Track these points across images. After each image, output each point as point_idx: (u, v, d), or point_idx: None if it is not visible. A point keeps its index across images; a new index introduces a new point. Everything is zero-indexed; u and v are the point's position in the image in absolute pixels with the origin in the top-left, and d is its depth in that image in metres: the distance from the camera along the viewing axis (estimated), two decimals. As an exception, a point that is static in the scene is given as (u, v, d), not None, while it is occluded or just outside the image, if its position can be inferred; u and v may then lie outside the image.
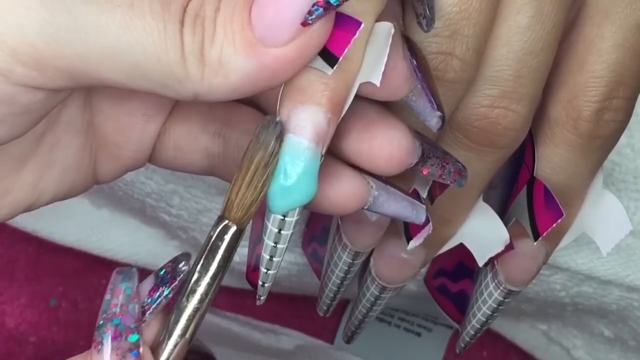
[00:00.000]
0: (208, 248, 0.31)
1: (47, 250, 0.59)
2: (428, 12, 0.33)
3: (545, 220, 0.38)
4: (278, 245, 0.32)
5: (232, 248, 0.32)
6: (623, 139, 0.45)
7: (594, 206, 0.40)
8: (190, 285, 0.32)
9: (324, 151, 0.31)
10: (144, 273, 0.58)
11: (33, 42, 0.29)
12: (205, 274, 0.31)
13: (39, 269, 0.59)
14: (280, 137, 0.30)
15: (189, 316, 0.32)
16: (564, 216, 0.38)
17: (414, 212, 0.35)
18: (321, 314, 0.47)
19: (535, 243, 0.39)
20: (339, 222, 0.41)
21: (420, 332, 0.61)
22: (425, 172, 0.34)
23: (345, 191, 0.33)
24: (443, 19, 0.34)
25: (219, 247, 0.31)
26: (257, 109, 0.37)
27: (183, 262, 0.33)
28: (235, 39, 0.29)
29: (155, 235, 0.57)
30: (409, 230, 0.39)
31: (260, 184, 0.31)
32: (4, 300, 0.58)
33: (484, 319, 0.44)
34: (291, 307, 0.61)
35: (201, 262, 0.32)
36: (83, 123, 0.35)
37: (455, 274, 0.48)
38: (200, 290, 0.32)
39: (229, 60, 0.29)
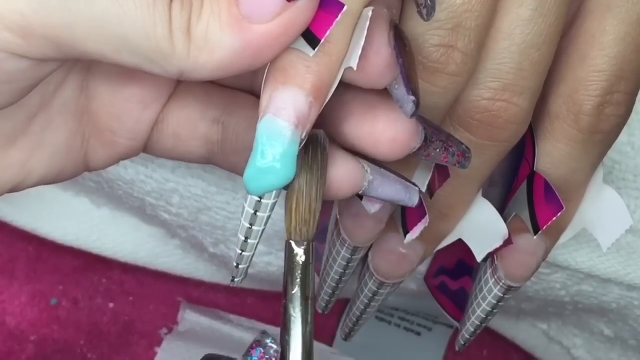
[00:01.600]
0: (293, 279, 0.32)
1: (47, 249, 0.58)
2: (429, 2, 0.33)
3: (545, 213, 0.38)
4: (254, 227, 0.32)
5: (308, 264, 0.32)
6: (623, 137, 0.45)
7: (594, 201, 0.40)
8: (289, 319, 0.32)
9: (304, 135, 0.31)
10: (144, 273, 0.58)
11: (21, 9, 0.29)
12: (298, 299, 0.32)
13: (40, 267, 0.59)
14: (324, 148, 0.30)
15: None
16: (564, 209, 0.38)
17: (408, 195, 0.35)
18: (320, 311, 0.47)
19: (535, 237, 0.39)
20: (338, 217, 0.41)
21: (421, 331, 0.61)
22: (428, 156, 0.34)
23: (341, 175, 0.34)
24: (446, 12, 0.34)
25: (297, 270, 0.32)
26: (255, 95, 0.37)
27: (269, 340, 0.33)
28: (221, 15, 0.30)
29: (156, 234, 0.57)
30: (406, 223, 0.39)
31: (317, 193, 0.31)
32: (5, 299, 0.58)
33: (484, 316, 0.44)
34: (291, 307, 0.61)
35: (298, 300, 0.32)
36: (78, 107, 0.35)
37: (455, 272, 0.48)
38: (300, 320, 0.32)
39: (215, 37, 0.30)
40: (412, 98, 0.31)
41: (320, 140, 0.32)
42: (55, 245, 0.57)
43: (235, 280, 0.34)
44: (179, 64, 0.30)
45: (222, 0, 0.30)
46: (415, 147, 0.33)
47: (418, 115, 0.33)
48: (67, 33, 0.29)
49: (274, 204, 0.32)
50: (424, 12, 0.33)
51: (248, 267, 0.34)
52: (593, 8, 0.37)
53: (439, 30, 0.34)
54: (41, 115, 0.35)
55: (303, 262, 0.32)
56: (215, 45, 0.30)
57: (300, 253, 0.32)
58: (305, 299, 0.32)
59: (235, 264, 0.34)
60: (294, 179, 0.31)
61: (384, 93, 0.33)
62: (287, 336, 0.32)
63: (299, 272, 0.32)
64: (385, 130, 0.33)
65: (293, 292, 0.32)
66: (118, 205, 0.56)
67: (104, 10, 0.29)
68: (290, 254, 0.32)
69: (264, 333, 0.33)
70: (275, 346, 0.33)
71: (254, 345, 0.33)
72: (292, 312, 0.32)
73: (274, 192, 0.31)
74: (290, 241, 0.32)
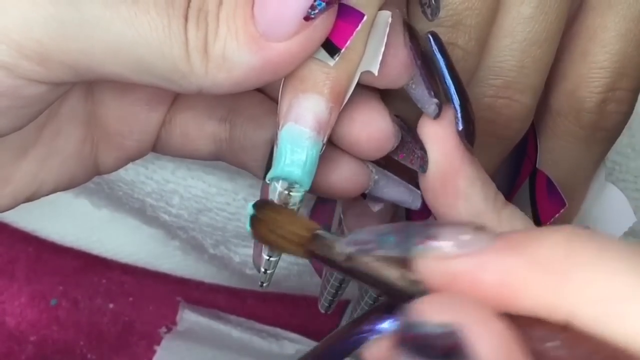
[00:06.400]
0: None
1: (47, 250, 0.58)
2: (433, 2, 0.33)
3: (547, 210, 0.38)
4: None
5: None
6: (624, 138, 0.45)
7: (596, 199, 0.40)
8: None
9: (325, 140, 0.31)
10: (143, 273, 0.58)
11: (38, 37, 0.29)
12: None
13: (39, 268, 0.59)
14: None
15: None
16: (566, 206, 0.38)
17: (411, 198, 0.35)
18: (323, 311, 0.47)
19: None
20: (342, 216, 0.41)
21: (421, 332, 0.61)
22: (401, 156, 0.34)
23: (346, 175, 0.34)
24: (446, 9, 0.34)
25: None
26: (262, 93, 0.37)
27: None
28: (238, 33, 0.30)
29: (155, 235, 0.57)
30: None
31: None
32: (4, 299, 0.58)
33: None
34: (291, 307, 0.61)
35: None
36: (84, 114, 0.35)
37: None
38: None
39: (233, 55, 0.30)
40: (435, 100, 0.32)
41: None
42: (55, 246, 0.57)
43: (264, 284, 0.35)
44: (197, 82, 0.30)
45: (238, 18, 0.30)
46: (392, 147, 0.34)
47: (394, 115, 0.33)
48: (84, 58, 0.30)
49: (298, 209, 0.32)
50: (428, 11, 0.33)
51: (274, 270, 0.34)
52: (594, 4, 0.37)
53: (440, 27, 0.34)
54: (49, 125, 0.35)
55: None
56: (234, 63, 0.30)
57: None
58: None
59: (263, 270, 0.34)
60: None
61: (367, 92, 0.33)
62: None
63: None
64: (361, 130, 0.33)
65: None
66: (118, 207, 0.56)
67: (119, 34, 0.29)
68: None
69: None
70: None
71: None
72: None
73: (299, 197, 0.32)
74: None
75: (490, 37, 0.35)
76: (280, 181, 0.31)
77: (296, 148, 0.30)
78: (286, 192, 0.31)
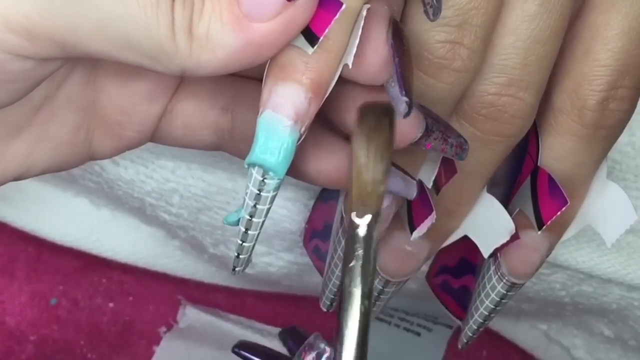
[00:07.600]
0: (359, 255, 0.27)
1: (47, 249, 0.58)
2: (435, 1, 0.33)
3: (549, 208, 0.38)
4: (254, 219, 0.33)
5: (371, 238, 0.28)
6: (624, 137, 0.45)
7: (597, 197, 0.40)
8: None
9: (303, 130, 0.31)
10: (143, 273, 0.58)
11: (26, 12, 0.29)
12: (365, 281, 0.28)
13: (39, 267, 0.59)
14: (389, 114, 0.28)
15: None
16: (568, 204, 0.38)
17: (406, 188, 0.35)
18: (324, 309, 0.47)
19: (539, 233, 0.39)
20: (343, 214, 0.41)
21: (420, 331, 0.61)
22: (428, 146, 0.34)
23: (340, 164, 0.34)
24: (453, 9, 0.34)
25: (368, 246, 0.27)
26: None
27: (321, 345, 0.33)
28: (222, 14, 0.30)
29: (155, 235, 0.57)
30: (413, 220, 0.39)
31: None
32: (4, 299, 0.58)
33: (487, 313, 0.44)
34: (291, 307, 0.61)
35: (358, 274, 0.27)
36: (83, 100, 0.35)
37: (457, 270, 0.48)
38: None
39: (216, 36, 0.30)
40: (405, 99, 0.32)
41: (385, 107, 0.29)
42: (55, 245, 0.57)
43: (237, 269, 0.35)
44: (181, 62, 0.30)
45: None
46: (417, 137, 0.34)
47: (419, 104, 0.33)
48: (71, 34, 0.30)
49: (274, 196, 0.32)
50: (430, 11, 0.33)
51: (249, 256, 0.34)
52: (597, 2, 0.37)
53: (445, 26, 0.34)
54: (45, 108, 0.35)
55: (364, 235, 0.28)
56: (217, 43, 0.30)
57: (361, 224, 0.28)
58: (365, 274, 0.28)
59: (236, 254, 0.34)
60: (356, 148, 0.28)
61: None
62: (343, 312, 0.29)
63: (359, 244, 0.28)
64: None
65: (351, 264, 0.28)
66: (118, 206, 0.56)
67: (108, 11, 0.29)
68: (351, 226, 0.28)
69: (317, 336, 0.33)
70: (328, 350, 0.32)
71: (306, 349, 0.33)
72: (349, 287, 0.28)
73: (273, 185, 0.32)
74: (352, 212, 0.28)
75: (494, 35, 0.35)
76: (256, 167, 0.31)
77: (272, 136, 0.31)
78: (261, 178, 0.31)
